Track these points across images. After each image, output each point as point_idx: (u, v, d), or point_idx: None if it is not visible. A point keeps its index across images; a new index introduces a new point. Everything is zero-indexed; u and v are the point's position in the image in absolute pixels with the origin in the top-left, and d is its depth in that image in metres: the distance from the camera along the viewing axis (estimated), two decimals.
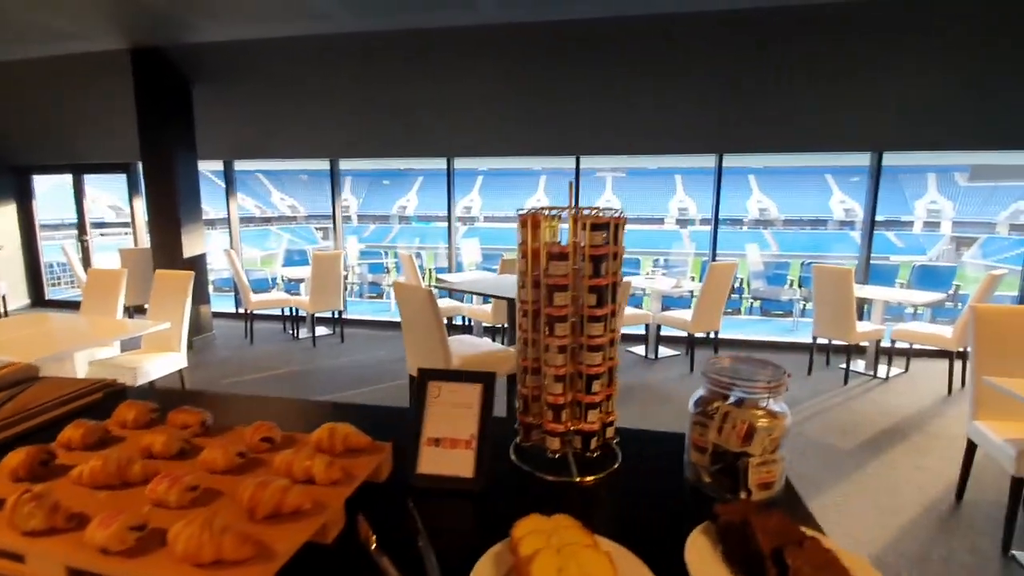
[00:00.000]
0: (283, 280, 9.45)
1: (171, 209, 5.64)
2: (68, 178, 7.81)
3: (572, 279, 0.91)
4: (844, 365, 4.79)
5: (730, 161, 5.95)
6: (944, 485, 2.94)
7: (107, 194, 22.59)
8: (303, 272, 6.25)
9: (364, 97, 5.95)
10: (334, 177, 6.99)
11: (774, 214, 27.71)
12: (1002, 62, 4.50)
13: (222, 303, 7.65)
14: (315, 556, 0.69)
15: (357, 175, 31.78)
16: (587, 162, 6.26)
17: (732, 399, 0.87)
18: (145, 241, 6.94)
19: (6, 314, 7.20)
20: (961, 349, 4.34)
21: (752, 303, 11.01)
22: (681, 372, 4.98)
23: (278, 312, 6.64)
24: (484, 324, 5.58)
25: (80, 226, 8.05)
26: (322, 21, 4.69)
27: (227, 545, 0.61)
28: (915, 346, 4.90)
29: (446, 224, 6.93)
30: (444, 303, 5.69)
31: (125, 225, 7.64)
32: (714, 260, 6.05)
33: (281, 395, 4.34)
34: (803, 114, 5.12)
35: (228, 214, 7.21)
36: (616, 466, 0.96)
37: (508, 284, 4.01)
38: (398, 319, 3.23)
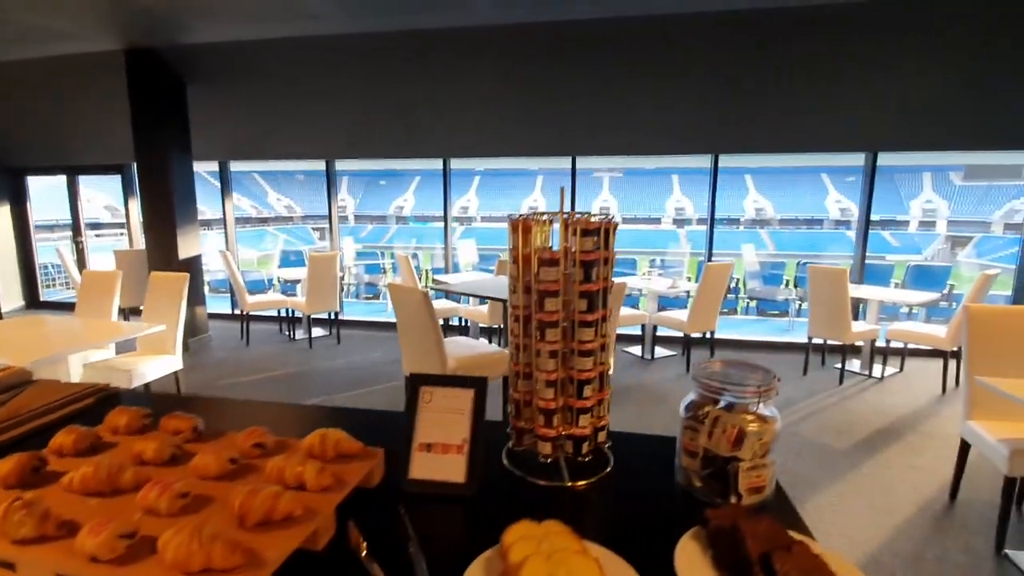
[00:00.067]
0: (279, 281, 9.43)
1: (166, 210, 5.62)
2: (63, 178, 7.78)
3: (563, 284, 0.91)
4: (839, 365, 4.81)
5: (726, 161, 5.97)
6: (938, 485, 2.96)
7: (102, 194, 22.52)
8: (299, 273, 6.25)
9: (360, 98, 5.95)
10: (330, 178, 6.98)
11: (770, 214, 27.80)
12: (1002, 62, 4.51)
13: (218, 304, 7.63)
14: (306, 563, 0.69)
15: (354, 175, 31.74)
16: (584, 162, 6.26)
17: (722, 403, 0.87)
18: (140, 242, 6.92)
19: (0, 316, 7.17)
20: (955, 348, 4.36)
21: (748, 303, 11.04)
22: (677, 372, 4.99)
23: (274, 313, 6.62)
24: (481, 325, 5.58)
25: (75, 227, 8.02)
26: (316, 22, 4.69)
27: (216, 553, 0.61)
28: (910, 346, 4.92)
29: (443, 224, 6.93)
30: (441, 304, 5.69)
31: (120, 226, 7.62)
32: (710, 260, 6.06)
33: (277, 397, 4.35)
34: (802, 114, 5.13)
35: (224, 215, 7.19)
36: (608, 470, 0.97)
37: (504, 285, 4.01)
38: (395, 320, 3.23)
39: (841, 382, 4.63)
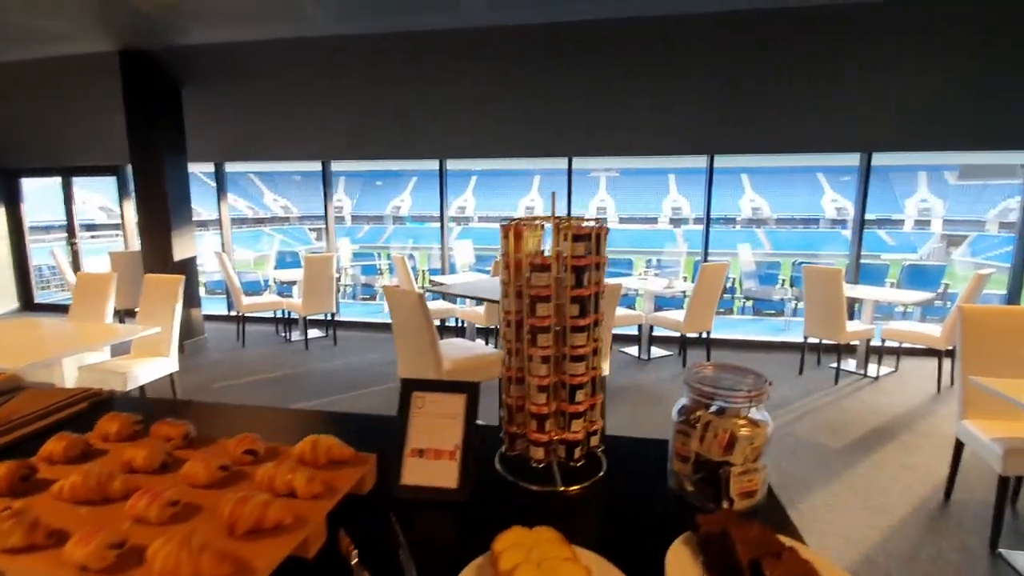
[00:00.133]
0: (275, 282, 9.41)
1: (161, 212, 5.60)
2: (58, 180, 7.75)
3: (555, 289, 0.91)
4: (835, 364, 4.83)
5: (722, 161, 5.98)
6: (933, 484, 2.97)
7: (98, 195, 22.44)
8: (295, 274, 6.24)
9: (357, 99, 5.94)
10: (326, 179, 6.97)
11: (766, 213, 27.87)
12: (1002, 62, 4.53)
13: (214, 305, 7.62)
14: (296, 571, 0.69)
15: (351, 175, 31.70)
16: (581, 162, 6.27)
17: (714, 408, 0.87)
18: (136, 244, 6.90)
19: None
20: (950, 348, 4.37)
21: (744, 303, 11.08)
22: (673, 372, 4.99)
23: (270, 315, 6.61)
24: (477, 326, 5.58)
25: (69, 229, 7.99)
26: (311, 24, 4.68)
27: (205, 563, 0.61)
28: (905, 345, 4.94)
29: (439, 225, 6.92)
30: (437, 305, 5.68)
31: (116, 227, 7.60)
32: (706, 260, 6.07)
33: (273, 399, 4.34)
34: (802, 114, 5.14)
35: (219, 216, 7.17)
36: (601, 474, 0.97)
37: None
38: (391, 321, 3.23)
39: (836, 381, 4.65)
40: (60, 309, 7.77)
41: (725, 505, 0.84)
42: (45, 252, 8.52)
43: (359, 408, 4.13)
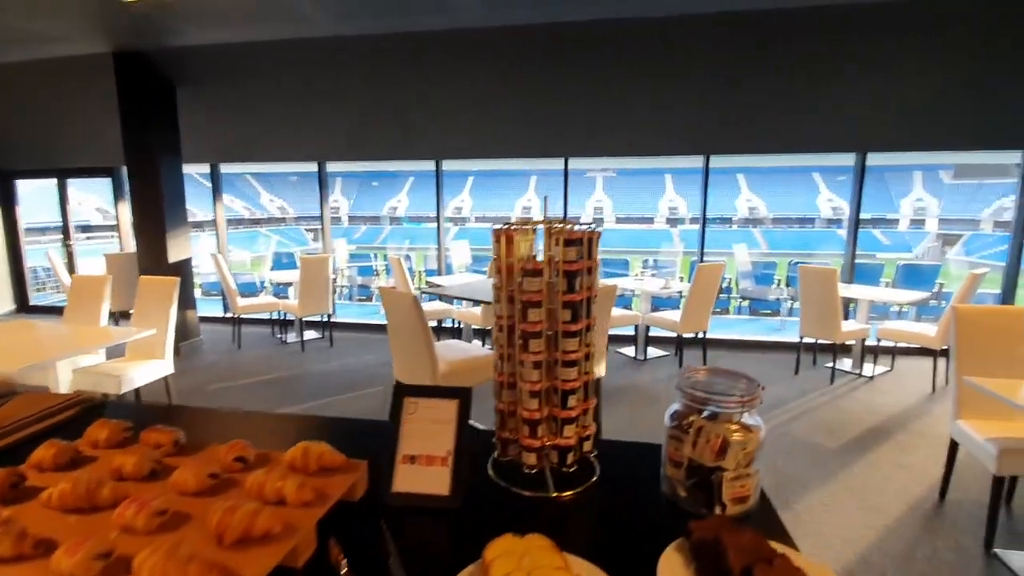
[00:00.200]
0: (271, 284, 9.39)
1: (156, 213, 5.58)
2: (53, 181, 7.72)
3: (546, 294, 0.91)
4: (830, 364, 4.84)
5: (719, 160, 5.98)
6: (928, 484, 2.98)
7: (94, 196, 22.32)
8: (291, 275, 6.22)
9: (353, 99, 5.93)
10: (322, 180, 6.96)
11: (763, 212, 27.93)
12: (1002, 62, 4.54)
13: (210, 307, 7.59)
14: None
15: (347, 176, 31.63)
16: (577, 162, 6.27)
17: (706, 413, 0.87)
18: (131, 245, 6.87)
19: None
20: (944, 347, 4.39)
21: (740, 303, 11.10)
22: (670, 373, 5.00)
23: (266, 316, 6.59)
24: (474, 327, 5.57)
25: (64, 231, 7.95)
26: (306, 24, 4.67)
27: (192, 573, 0.60)
28: (900, 345, 4.95)
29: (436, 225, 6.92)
30: (434, 306, 5.67)
31: (112, 228, 7.56)
32: (702, 260, 6.08)
33: (269, 401, 4.32)
34: (802, 114, 5.15)
35: (215, 217, 7.15)
36: (594, 480, 0.96)
37: None
38: (387, 323, 3.22)
39: (832, 381, 4.66)
40: (56, 311, 7.74)
41: (718, 511, 0.84)
42: (41, 254, 8.49)
43: (355, 410, 4.12)
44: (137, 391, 3.48)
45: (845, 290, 4.79)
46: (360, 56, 5.36)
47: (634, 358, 5.42)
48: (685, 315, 4.87)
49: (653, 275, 6.25)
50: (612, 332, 5.59)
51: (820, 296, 4.58)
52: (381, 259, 14.19)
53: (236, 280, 6.12)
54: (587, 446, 0.98)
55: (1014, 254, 5.32)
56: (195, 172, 9.11)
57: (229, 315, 6.29)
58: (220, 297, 7.28)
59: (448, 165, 6.72)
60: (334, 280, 6.09)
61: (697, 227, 6.30)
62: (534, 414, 0.92)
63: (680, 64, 5.06)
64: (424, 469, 0.88)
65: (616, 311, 5.16)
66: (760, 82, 5.03)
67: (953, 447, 2.72)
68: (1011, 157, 5.43)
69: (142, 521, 0.71)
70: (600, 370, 3.08)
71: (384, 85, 5.65)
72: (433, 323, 5.87)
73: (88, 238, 18.66)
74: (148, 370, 3.51)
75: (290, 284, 6.22)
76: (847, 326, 4.60)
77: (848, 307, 5.37)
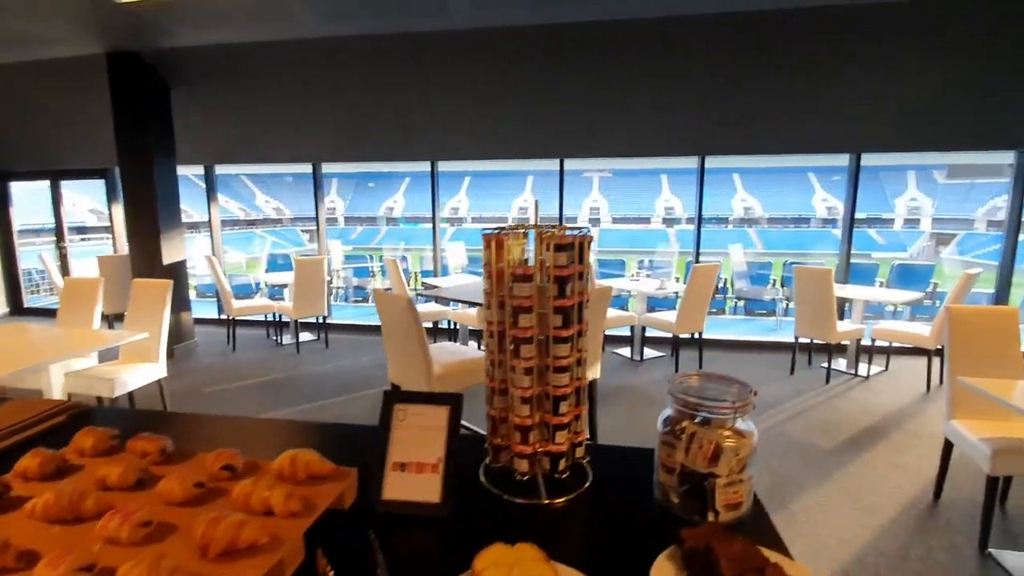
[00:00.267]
0: (266, 285, 9.35)
1: (150, 215, 5.55)
2: (46, 182, 7.67)
3: (537, 299, 0.90)
4: (826, 364, 4.84)
5: (715, 161, 5.99)
6: (923, 483, 2.98)
7: (88, 198, 22.22)
8: (286, 277, 6.20)
9: (349, 100, 5.91)
10: (316, 181, 6.93)
11: (758, 212, 28.01)
12: (1002, 62, 4.55)
13: (205, 309, 7.55)
14: None
15: (343, 177, 31.57)
16: (574, 163, 6.26)
17: (699, 419, 0.86)
18: (125, 247, 6.83)
19: None
20: (939, 347, 4.40)
21: (736, 303, 11.11)
22: (666, 373, 5.00)
23: (261, 318, 6.56)
24: (470, 328, 5.56)
25: (58, 232, 7.90)
26: (298, 26, 4.65)
27: None
28: (895, 344, 4.96)
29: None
30: (430, 307, 5.66)
31: (106, 230, 7.52)
32: (698, 261, 6.08)
33: (263, 403, 4.30)
34: (802, 115, 5.15)
35: (209, 219, 7.12)
36: (586, 485, 0.95)
37: None
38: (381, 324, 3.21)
39: (827, 381, 4.67)
40: (49, 313, 7.69)
41: (711, 517, 0.83)
42: (34, 256, 8.43)
43: (350, 412, 4.10)
44: (131, 394, 3.46)
45: (840, 290, 4.80)
46: (357, 56, 5.35)
47: (630, 359, 5.41)
48: (681, 316, 4.87)
49: (649, 276, 6.25)
50: (608, 333, 5.59)
51: (815, 296, 4.59)
52: (377, 260, 14.17)
53: (231, 282, 6.10)
54: (579, 452, 0.97)
55: (1007, 253, 5.34)
56: (190, 173, 9.06)
57: (224, 317, 6.26)
58: (215, 299, 7.25)
59: (444, 166, 6.70)
60: (329, 282, 6.06)
61: (693, 227, 6.30)
62: (526, 420, 0.91)
63: (680, 64, 5.06)
64: (414, 476, 0.87)
65: (612, 312, 5.16)
66: (760, 82, 5.03)
67: (947, 447, 2.72)
68: (1004, 157, 5.45)
69: (126, 532, 0.70)
70: (596, 371, 3.08)
71: (382, 85, 5.64)
72: (429, 324, 5.86)
73: (83, 240, 18.56)
74: (141, 373, 3.49)
75: (285, 286, 6.19)
76: (842, 326, 4.61)
77: (843, 307, 5.38)
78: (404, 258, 16.26)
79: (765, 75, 4.96)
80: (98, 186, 7.43)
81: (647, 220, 29.11)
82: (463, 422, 0.94)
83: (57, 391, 3.17)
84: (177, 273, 5.62)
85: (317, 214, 7.02)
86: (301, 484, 0.84)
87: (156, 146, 5.55)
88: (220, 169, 7.21)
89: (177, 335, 5.71)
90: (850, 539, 2.51)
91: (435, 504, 0.85)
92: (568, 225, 0.92)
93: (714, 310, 8.32)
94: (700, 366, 5.16)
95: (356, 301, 11.82)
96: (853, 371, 4.86)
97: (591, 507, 0.91)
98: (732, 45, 4.83)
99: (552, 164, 6.28)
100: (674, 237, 27.39)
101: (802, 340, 4.90)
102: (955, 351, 2.68)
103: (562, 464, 0.93)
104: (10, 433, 1.16)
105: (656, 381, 4.79)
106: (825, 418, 3.92)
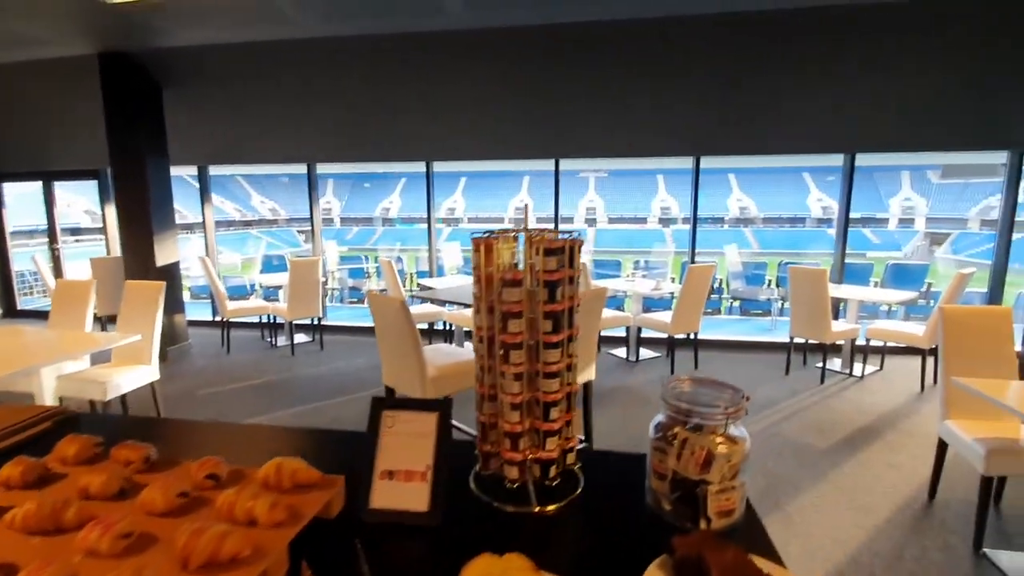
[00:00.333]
0: (261, 287, 9.31)
1: (143, 217, 5.51)
2: (39, 184, 7.62)
3: (527, 304, 0.89)
4: (820, 364, 4.85)
5: (710, 161, 5.99)
6: (917, 483, 2.99)
7: (82, 199, 22.10)
8: (281, 278, 6.17)
9: (345, 101, 5.88)
10: (311, 181, 6.91)
11: (754, 212, 28.10)
12: (1002, 62, 4.55)
13: (199, 310, 7.51)
14: None
15: (339, 177, 31.52)
16: (570, 163, 6.26)
17: (691, 425, 0.85)
18: (118, 249, 6.79)
19: None
20: (933, 347, 4.41)
21: (731, 303, 11.14)
22: (662, 374, 5.00)
23: (256, 320, 6.53)
24: (465, 329, 5.54)
25: (51, 234, 7.85)
26: (290, 26, 4.62)
27: None
28: (889, 344, 4.98)
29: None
30: (425, 308, 5.64)
31: (100, 231, 7.47)
32: (693, 261, 6.09)
33: (258, 406, 4.28)
34: (802, 115, 5.15)
35: (203, 220, 7.08)
36: (578, 492, 0.94)
37: None
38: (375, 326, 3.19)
39: (822, 381, 4.67)
40: (43, 316, 7.60)
41: (703, 524, 0.82)
42: (27, 257, 8.38)
43: (345, 414, 4.08)
44: (123, 398, 3.43)
45: (835, 290, 4.81)
46: (355, 57, 5.32)
47: (626, 359, 5.41)
48: (676, 316, 4.87)
49: (644, 276, 6.25)
50: (604, 334, 5.58)
51: (810, 296, 4.59)
52: (373, 261, 14.13)
53: (226, 283, 6.07)
54: (570, 458, 0.96)
55: (1000, 253, 5.36)
56: (185, 174, 9.03)
57: (218, 319, 6.23)
58: (209, 300, 7.22)
59: (440, 166, 6.69)
60: (324, 283, 6.04)
61: (689, 227, 6.30)
62: (516, 427, 0.90)
63: (680, 64, 5.05)
64: (402, 485, 0.86)
65: (607, 312, 5.15)
66: (760, 82, 5.03)
67: (942, 447, 2.73)
68: (997, 157, 5.47)
69: (106, 544, 0.68)
70: (591, 373, 3.07)
71: (379, 85, 5.61)
72: (424, 325, 5.84)
73: (77, 241, 18.47)
74: (134, 376, 3.46)
75: (280, 287, 6.17)
76: (837, 326, 4.62)
77: (838, 307, 5.39)
78: (400, 259, 16.22)
79: (765, 75, 4.96)
80: (93, 187, 7.38)
81: (643, 220, 29.17)
82: (457, 424, 0.93)
83: (49, 394, 3.14)
84: (171, 275, 5.59)
85: (312, 215, 7.00)
86: (287, 493, 0.82)
87: (148, 147, 5.52)
88: (215, 170, 7.18)
89: (171, 337, 5.68)
90: (845, 539, 2.51)
91: (423, 513, 0.84)
92: (559, 229, 0.91)
93: (710, 310, 8.32)
94: (696, 367, 5.16)
95: (352, 302, 11.78)
96: (848, 371, 4.87)
97: (582, 514, 0.90)
98: (732, 45, 4.82)
99: (548, 164, 6.28)
100: (670, 237, 27.45)
101: (797, 340, 4.91)
102: (949, 351, 2.68)
103: (553, 471, 0.92)
104: None
105: (652, 382, 4.79)
106: (820, 418, 3.93)
